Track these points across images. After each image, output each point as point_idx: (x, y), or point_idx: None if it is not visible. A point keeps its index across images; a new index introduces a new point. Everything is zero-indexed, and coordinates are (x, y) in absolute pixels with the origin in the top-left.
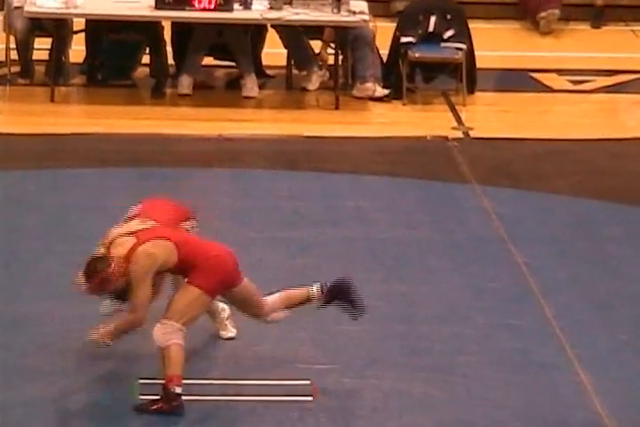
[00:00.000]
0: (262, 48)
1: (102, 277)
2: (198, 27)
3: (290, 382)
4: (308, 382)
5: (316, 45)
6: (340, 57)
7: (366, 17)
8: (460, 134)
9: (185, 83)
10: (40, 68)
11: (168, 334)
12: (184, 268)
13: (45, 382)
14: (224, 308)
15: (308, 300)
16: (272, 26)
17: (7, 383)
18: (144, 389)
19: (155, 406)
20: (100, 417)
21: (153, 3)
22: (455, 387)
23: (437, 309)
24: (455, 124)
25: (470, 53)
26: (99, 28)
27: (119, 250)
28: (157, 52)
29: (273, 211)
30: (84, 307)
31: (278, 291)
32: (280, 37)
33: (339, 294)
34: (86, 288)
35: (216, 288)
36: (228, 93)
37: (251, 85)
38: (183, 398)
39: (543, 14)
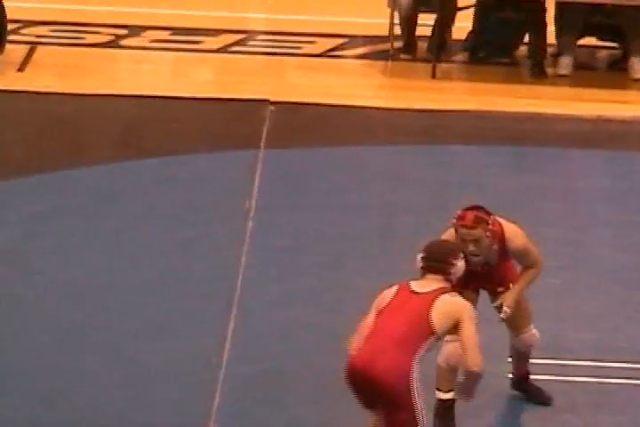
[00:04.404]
0: None
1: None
2: (571, 6)
3: None
4: None
5: None
6: None
7: None
8: None
9: (564, 63)
10: (422, 44)
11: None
12: None
13: None
14: None
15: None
16: None
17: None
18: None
19: None
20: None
21: None
22: None
23: None
24: None
25: None
26: (488, 6)
27: None
28: (536, 32)
29: None
30: None
31: None
32: None
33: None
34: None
35: None
36: (610, 74)
37: (638, 67)
38: (556, 378)
39: None
